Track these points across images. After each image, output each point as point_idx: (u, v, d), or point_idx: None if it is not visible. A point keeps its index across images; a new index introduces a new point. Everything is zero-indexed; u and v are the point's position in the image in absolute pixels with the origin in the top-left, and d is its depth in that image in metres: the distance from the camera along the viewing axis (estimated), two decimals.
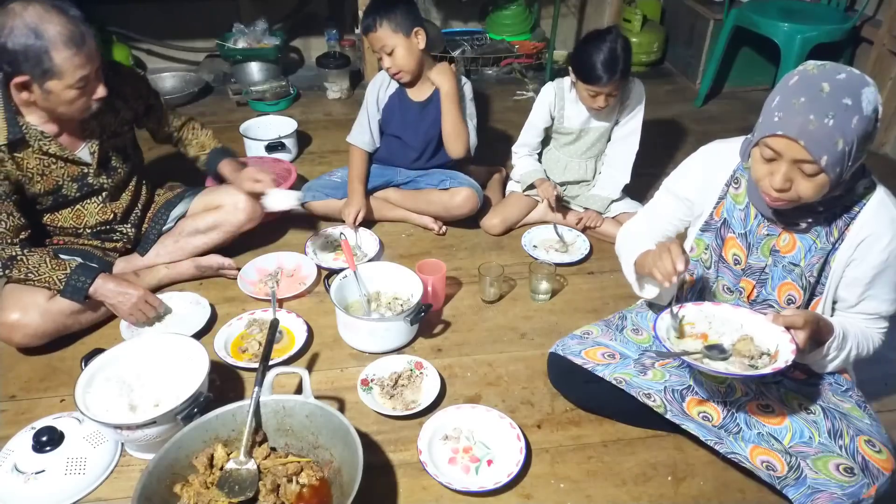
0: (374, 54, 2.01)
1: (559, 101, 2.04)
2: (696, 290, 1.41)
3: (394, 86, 2.07)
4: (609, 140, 2.12)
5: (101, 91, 1.49)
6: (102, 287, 1.60)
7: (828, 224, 1.20)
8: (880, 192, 1.19)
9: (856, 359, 1.28)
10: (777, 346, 1.17)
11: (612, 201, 2.13)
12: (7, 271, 1.55)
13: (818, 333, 1.19)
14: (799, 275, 1.24)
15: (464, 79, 2.09)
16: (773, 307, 1.29)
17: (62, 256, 1.63)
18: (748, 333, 1.23)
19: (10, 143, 1.50)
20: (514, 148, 2.19)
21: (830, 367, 1.28)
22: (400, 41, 1.91)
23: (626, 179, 2.10)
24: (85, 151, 1.64)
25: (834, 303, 1.28)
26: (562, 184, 2.18)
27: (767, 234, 1.26)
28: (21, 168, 1.54)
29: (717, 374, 1.18)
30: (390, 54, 1.93)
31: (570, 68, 1.94)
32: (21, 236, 1.57)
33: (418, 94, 2.06)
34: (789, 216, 1.21)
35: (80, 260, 1.64)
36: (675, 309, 1.27)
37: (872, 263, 1.18)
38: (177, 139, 1.95)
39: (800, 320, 1.14)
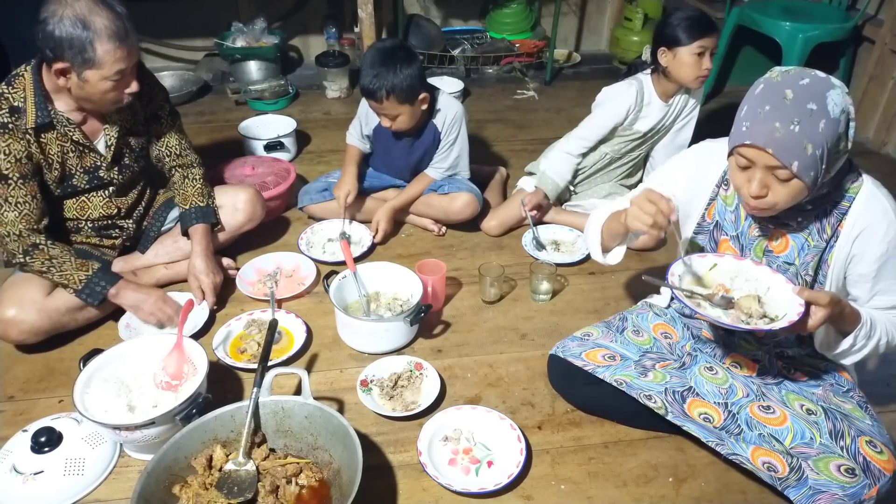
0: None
1: (639, 103, 1.99)
2: None
3: None
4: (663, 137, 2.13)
5: (134, 86, 1.52)
6: (124, 290, 1.61)
7: (819, 221, 1.20)
8: (868, 185, 1.18)
9: (886, 348, 1.25)
10: (785, 314, 1.16)
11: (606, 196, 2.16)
12: (28, 258, 1.53)
13: (841, 319, 1.17)
14: (794, 274, 1.24)
15: (458, 105, 2.03)
16: None
17: None
18: (760, 294, 1.21)
19: (36, 127, 1.52)
20: (571, 138, 2.09)
21: (860, 357, 1.25)
22: (405, 110, 1.88)
23: None
24: (101, 143, 1.65)
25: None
26: (590, 170, 2.16)
27: (759, 235, 1.26)
28: (44, 153, 1.56)
29: (706, 318, 1.16)
30: (393, 118, 1.89)
31: (659, 51, 1.89)
32: (44, 222, 1.57)
33: (406, 131, 2.03)
34: (779, 216, 1.20)
35: (102, 262, 1.64)
36: (705, 257, 1.25)
37: (873, 256, 1.18)
38: (168, 169, 1.86)
39: (824, 299, 1.12)
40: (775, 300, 1.20)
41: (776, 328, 1.13)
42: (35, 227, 1.55)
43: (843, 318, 1.17)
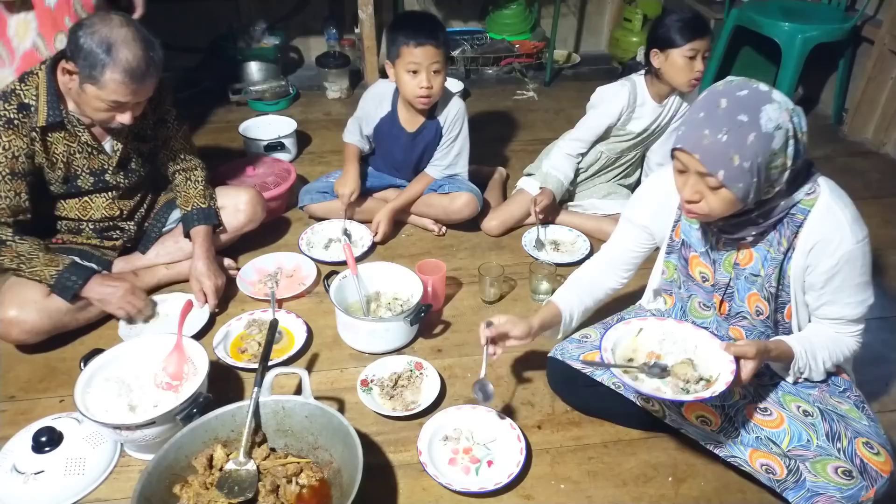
0: (408, 68, 1.84)
1: (632, 104, 2.00)
2: (677, 308, 1.41)
3: (385, 108, 2.04)
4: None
5: (127, 118, 1.52)
6: (91, 282, 1.61)
7: (777, 233, 1.21)
8: (825, 197, 1.17)
9: (833, 367, 1.29)
10: (718, 374, 1.17)
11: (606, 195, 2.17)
12: None
13: (773, 361, 1.23)
14: (761, 285, 1.25)
15: (461, 103, 2.05)
16: (747, 319, 1.30)
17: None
18: (691, 357, 1.22)
19: (46, 126, 1.53)
20: (567, 139, 2.11)
21: (816, 380, 1.30)
22: (444, 68, 1.89)
23: None
24: (109, 146, 1.66)
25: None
26: (588, 171, 2.18)
27: (726, 250, 1.27)
28: (48, 152, 1.57)
29: (646, 395, 1.18)
30: (437, 72, 1.87)
31: (651, 52, 1.89)
32: (19, 218, 1.57)
33: (411, 123, 2.04)
34: (731, 231, 1.22)
35: (74, 258, 1.64)
36: (630, 324, 1.28)
37: (823, 268, 1.18)
38: (171, 173, 1.86)
39: (751, 351, 1.14)
40: (705, 359, 1.21)
41: (717, 393, 1.14)
42: (4, 220, 1.55)
43: (772, 360, 1.22)
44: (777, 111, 1.06)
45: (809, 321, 1.29)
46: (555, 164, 2.11)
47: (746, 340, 1.23)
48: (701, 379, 1.19)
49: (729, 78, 1.12)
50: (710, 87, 1.13)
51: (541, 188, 2.10)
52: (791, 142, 1.08)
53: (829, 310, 1.24)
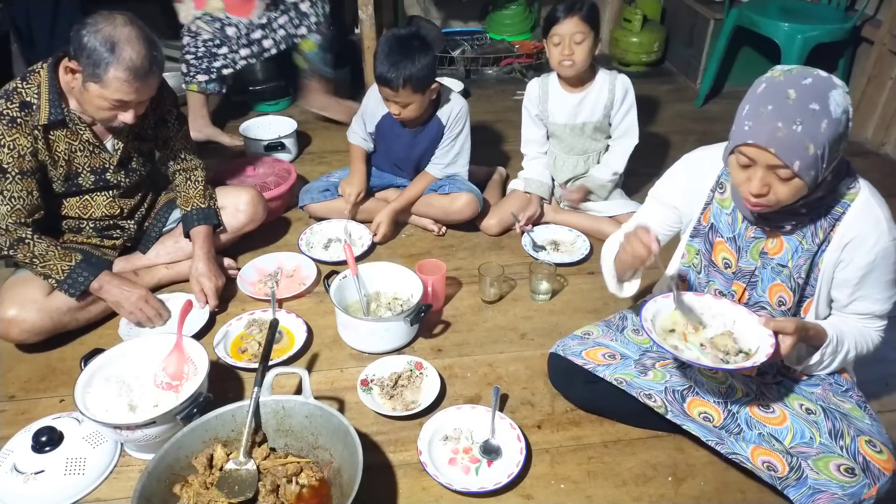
0: (381, 96, 1.93)
1: (543, 95, 2.06)
2: None
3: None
4: (608, 137, 2.13)
5: (129, 117, 1.53)
6: (107, 284, 1.61)
7: (813, 225, 1.21)
8: (865, 193, 1.19)
9: (856, 358, 1.29)
10: (758, 347, 1.18)
11: (607, 195, 2.17)
12: (12, 251, 1.55)
13: (808, 341, 1.22)
14: (787, 276, 1.25)
15: (463, 101, 2.06)
16: (766, 309, 1.29)
17: None
18: (731, 330, 1.24)
19: (48, 124, 1.53)
20: (521, 148, 2.20)
21: (830, 370, 1.30)
22: (416, 99, 1.89)
23: (619, 167, 2.10)
24: (110, 144, 1.66)
25: (830, 303, 1.29)
26: (559, 179, 2.19)
27: (755, 238, 1.27)
28: (50, 150, 1.57)
29: (688, 361, 1.19)
30: (405, 105, 1.90)
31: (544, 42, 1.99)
32: (35, 217, 1.58)
33: (412, 121, 2.04)
34: (773, 219, 1.22)
35: (83, 256, 1.64)
36: (676, 295, 1.27)
37: (859, 265, 1.19)
38: (171, 173, 1.86)
39: (790, 327, 1.15)
40: (744, 333, 1.22)
41: (757, 363, 1.15)
42: (24, 220, 1.55)
43: (808, 339, 1.22)
44: (841, 95, 1.06)
45: (825, 319, 1.30)
46: (527, 172, 2.19)
47: (785, 317, 1.23)
48: (740, 351, 1.21)
49: (782, 67, 1.11)
50: (765, 77, 1.11)
51: (527, 192, 2.14)
52: (849, 123, 1.09)
53: (859, 305, 1.25)
